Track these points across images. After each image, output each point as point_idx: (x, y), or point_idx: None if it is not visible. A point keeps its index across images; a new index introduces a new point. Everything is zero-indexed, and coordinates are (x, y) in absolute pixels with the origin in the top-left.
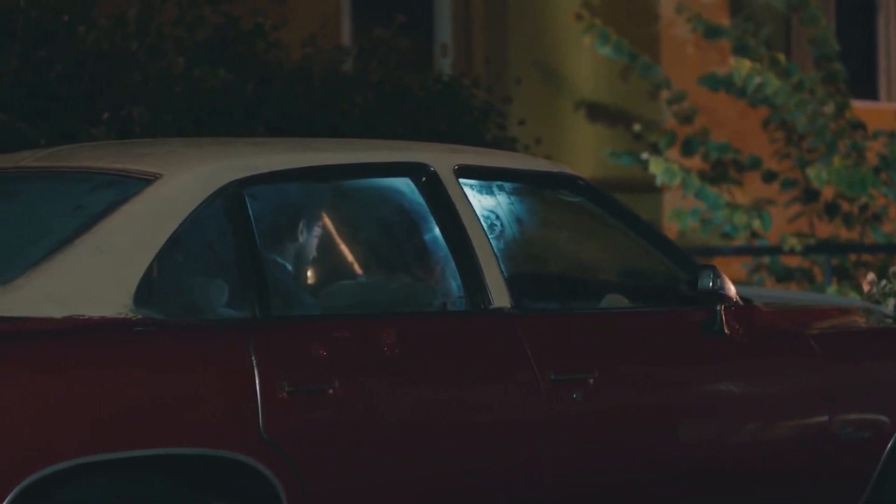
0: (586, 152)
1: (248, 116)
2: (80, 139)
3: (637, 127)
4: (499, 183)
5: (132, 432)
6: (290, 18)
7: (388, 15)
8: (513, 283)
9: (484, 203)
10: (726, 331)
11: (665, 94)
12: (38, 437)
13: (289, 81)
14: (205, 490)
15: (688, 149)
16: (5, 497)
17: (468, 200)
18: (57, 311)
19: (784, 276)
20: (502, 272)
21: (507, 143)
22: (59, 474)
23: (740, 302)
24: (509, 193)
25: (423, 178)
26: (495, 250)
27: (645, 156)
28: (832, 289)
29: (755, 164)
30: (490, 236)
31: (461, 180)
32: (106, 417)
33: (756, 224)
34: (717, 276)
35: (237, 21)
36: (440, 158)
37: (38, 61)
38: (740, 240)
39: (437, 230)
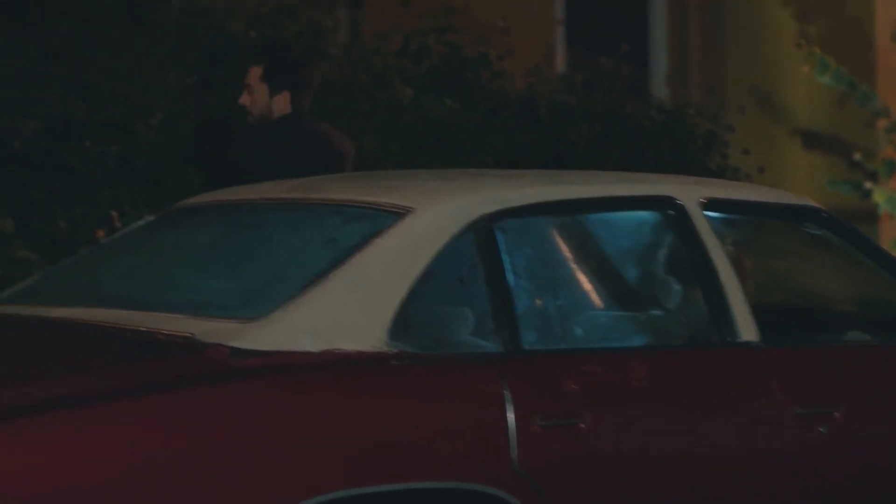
0: (801, 180)
1: (475, 146)
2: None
3: (857, 155)
4: (743, 216)
5: (387, 466)
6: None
7: (603, 44)
8: (758, 315)
9: (728, 235)
10: None
11: (883, 123)
12: (295, 471)
13: (515, 111)
14: None
15: None
16: None
17: (715, 233)
18: (313, 345)
19: None
20: (749, 305)
21: (729, 172)
22: None
23: None
24: (753, 226)
25: (671, 211)
26: (741, 283)
27: (868, 185)
28: None
29: None
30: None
31: (707, 213)
32: (362, 451)
33: None
34: None
35: (461, 50)
36: (687, 191)
37: None
38: None
39: (684, 263)
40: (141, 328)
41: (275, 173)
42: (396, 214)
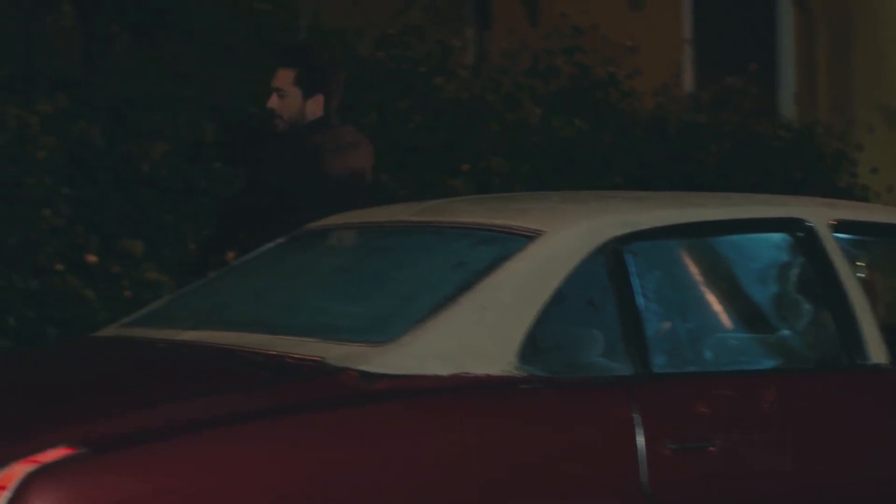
0: None
1: (605, 166)
2: (439, 190)
3: None
4: (874, 238)
5: (517, 490)
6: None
7: (731, 63)
8: (889, 338)
9: (858, 257)
10: None
11: None
12: (427, 495)
13: (644, 130)
14: None
15: None
16: None
17: (845, 255)
18: (442, 369)
19: None
20: (879, 327)
21: (858, 191)
22: None
23: None
24: (884, 248)
25: (800, 233)
26: (871, 306)
27: None
28: None
29: None
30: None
31: (837, 235)
32: (492, 475)
33: None
34: None
35: (590, 70)
36: (817, 213)
37: (396, 113)
38: None
39: (814, 285)
40: (271, 352)
41: (317, 179)
42: (526, 237)
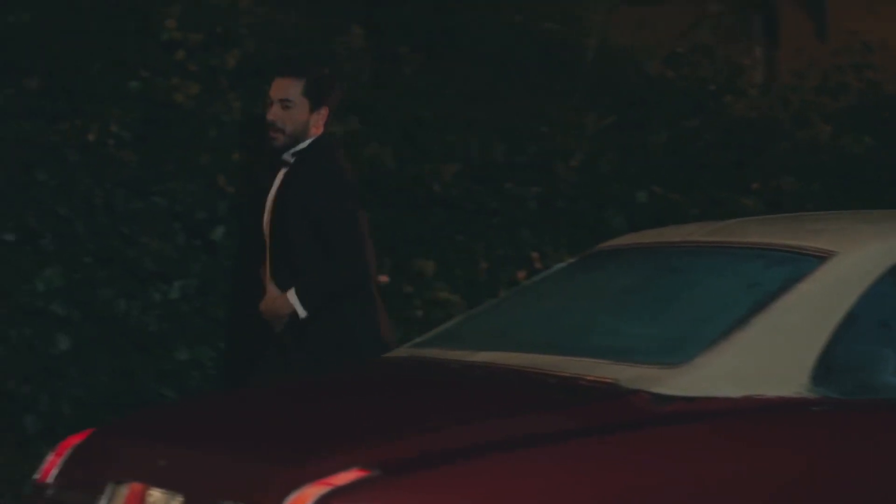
0: None
1: (894, 183)
2: (730, 209)
3: None
4: None
5: None
6: None
7: None
8: None
9: None
10: None
11: None
12: None
13: None
14: None
15: None
16: None
17: None
18: (734, 391)
19: None
20: None
21: None
22: None
23: None
24: None
25: None
26: None
27: None
28: None
29: None
30: None
31: None
32: (784, 498)
33: None
34: None
35: (880, 87)
36: None
37: (687, 132)
38: None
39: None
40: (564, 374)
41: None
42: (818, 258)
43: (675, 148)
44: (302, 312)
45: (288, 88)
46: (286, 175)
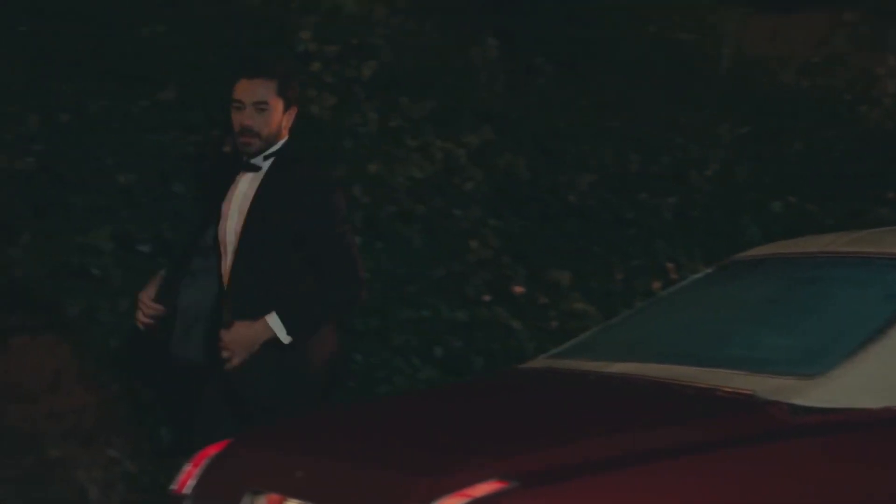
0: None
1: None
2: (866, 219)
3: None
4: None
5: None
6: None
7: None
8: None
9: None
10: None
11: None
12: None
13: None
14: None
15: None
16: None
17: None
18: (873, 402)
19: None
20: None
21: None
22: None
23: None
24: None
25: None
26: None
27: None
28: None
29: None
30: None
31: None
32: None
33: None
34: None
35: None
36: None
37: (822, 142)
38: None
39: None
40: (701, 385)
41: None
42: None
43: (810, 157)
44: (285, 339)
45: (261, 90)
46: (263, 182)
